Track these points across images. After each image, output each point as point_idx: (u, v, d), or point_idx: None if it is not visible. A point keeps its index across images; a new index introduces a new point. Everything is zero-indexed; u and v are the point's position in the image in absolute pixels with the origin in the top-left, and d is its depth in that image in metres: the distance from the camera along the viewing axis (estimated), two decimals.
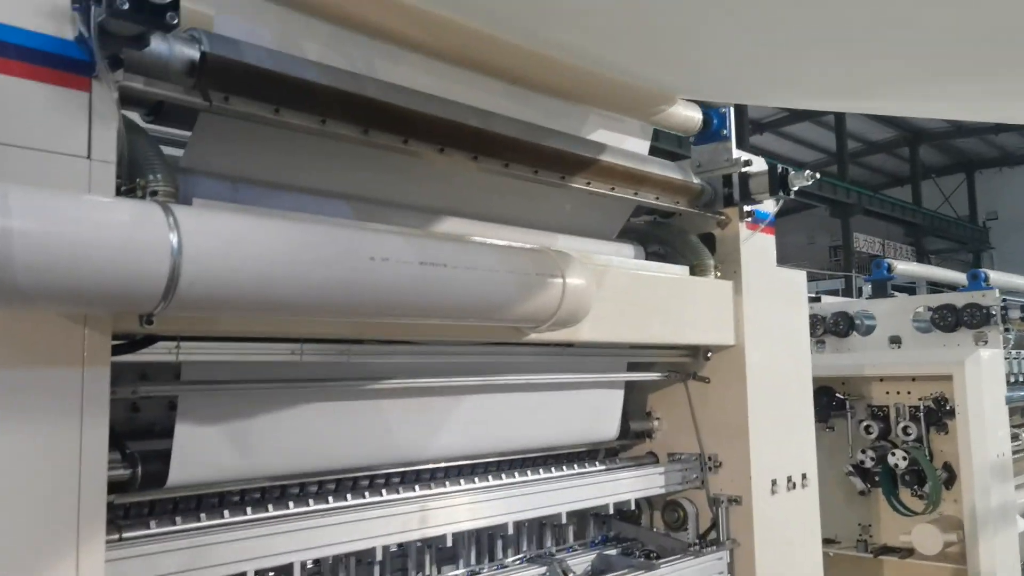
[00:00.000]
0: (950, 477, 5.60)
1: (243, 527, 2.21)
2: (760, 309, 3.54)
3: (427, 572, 2.78)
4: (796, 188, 3.49)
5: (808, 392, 3.83)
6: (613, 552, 3.29)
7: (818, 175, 3.76)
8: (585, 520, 3.40)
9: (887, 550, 5.97)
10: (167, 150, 2.17)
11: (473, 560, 2.96)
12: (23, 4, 1.66)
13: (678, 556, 3.23)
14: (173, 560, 2.05)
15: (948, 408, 5.55)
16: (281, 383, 2.34)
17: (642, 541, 3.39)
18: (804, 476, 3.70)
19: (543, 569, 2.97)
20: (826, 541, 4.53)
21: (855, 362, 6.15)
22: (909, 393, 5.91)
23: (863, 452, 6.02)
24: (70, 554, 1.66)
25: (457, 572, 2.84)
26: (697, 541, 3.41)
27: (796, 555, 3.61)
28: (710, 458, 3.51)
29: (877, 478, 5.89)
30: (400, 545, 2.80)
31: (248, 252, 1.69)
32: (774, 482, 3.51)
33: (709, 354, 3.52)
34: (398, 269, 1.93)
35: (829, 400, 6.16)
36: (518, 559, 3.02)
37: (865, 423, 5.99)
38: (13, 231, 1.38)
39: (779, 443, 3.58)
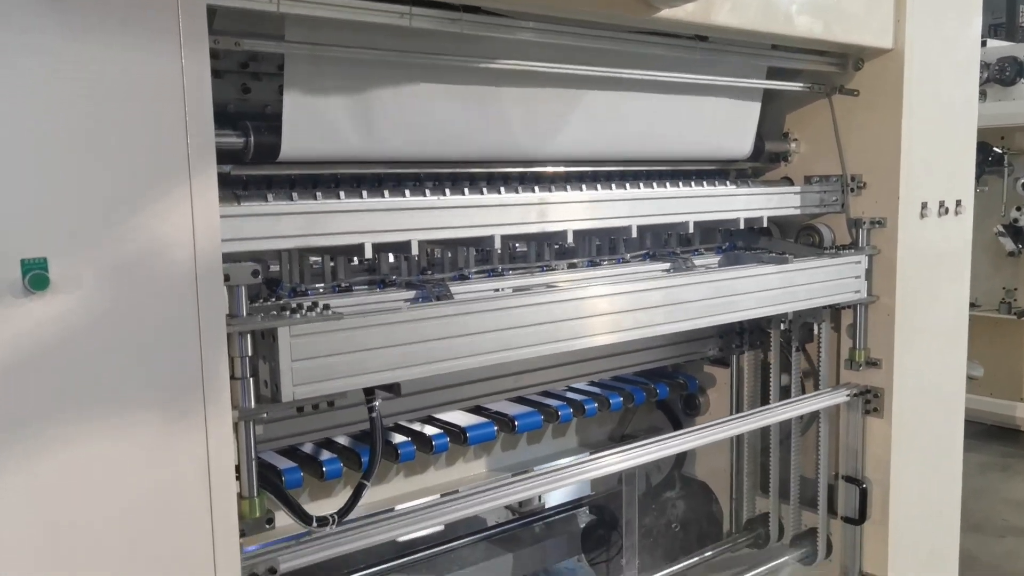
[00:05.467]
0: None
1: (362, 202, 2.16)
2: (926, 7, 3.09)
3: (546, 259, 2.71)
4: None
5: (972, 113, 3.42)
6: (743, 252, 3.12)
7: None
8: (712, 236, 3.23)
9: None
10: None
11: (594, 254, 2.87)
12: None
13: (812, 257, 3.04)
14: (291, 224, 2.02)
15: None
16: (389, 51, 2.18)
17: (772, 248, 3.19)
18: (959, 203, 3.37)
19: (667, 264, 2.84)
20: None
21: (1021, 110, 5.54)
22: None
23: (1018, 210, 5.58)
24: (183, 182, 1.62)
25: (576, 260, 2.75)
26: (833, 248, 3.21)
27: (942, 278, 3.36)
28: (853, 178, 3.23)
29: None
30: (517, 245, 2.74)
31: None
32: (924, 205, 3.21)
33: (861, 62, 3.15)
34: None
35: (985, 156, 5.64)
36: (640, 254, 2.89)
37: None
38: None
39: (934, 165, 3.24)
